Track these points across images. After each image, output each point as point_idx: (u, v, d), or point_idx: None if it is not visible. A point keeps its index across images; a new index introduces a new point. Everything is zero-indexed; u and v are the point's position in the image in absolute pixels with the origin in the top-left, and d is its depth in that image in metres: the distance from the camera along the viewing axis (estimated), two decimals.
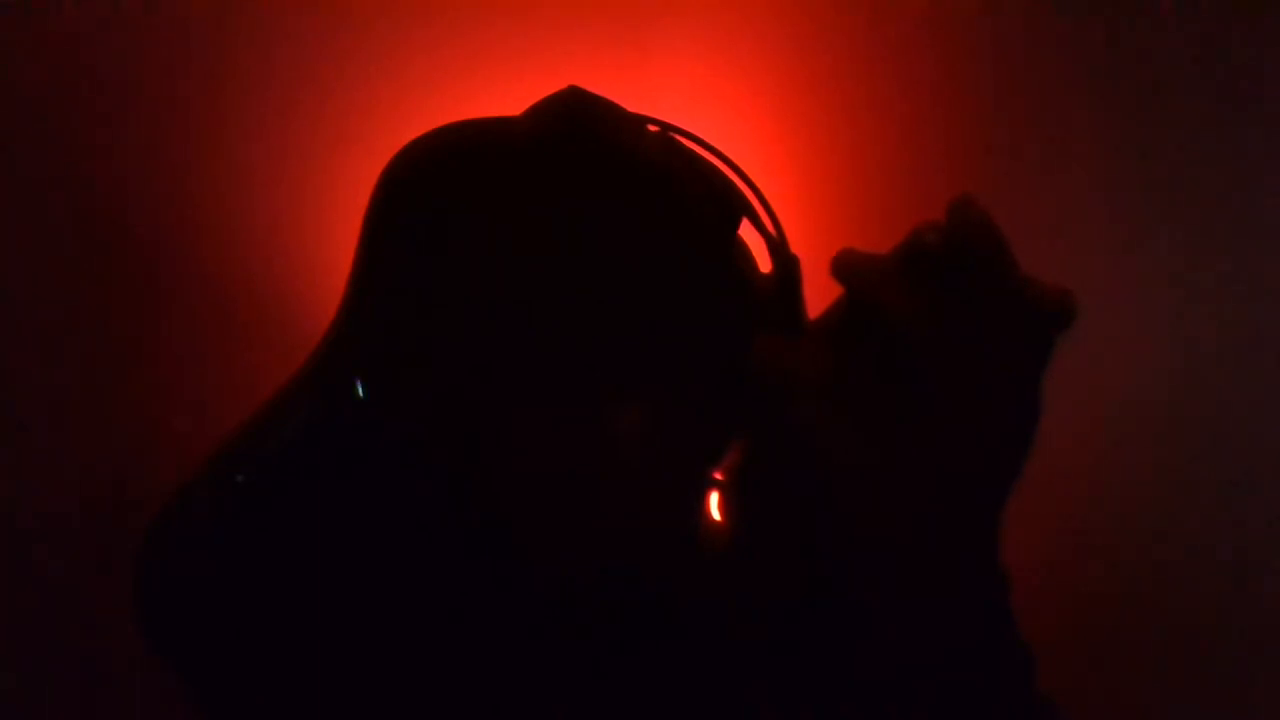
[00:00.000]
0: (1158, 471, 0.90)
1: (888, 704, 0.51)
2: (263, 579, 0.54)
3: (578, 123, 0.54)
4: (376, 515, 0.53)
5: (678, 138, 0.57)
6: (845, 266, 0.53)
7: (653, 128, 0.57)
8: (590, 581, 0.54)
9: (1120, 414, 0.89)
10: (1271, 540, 0.90)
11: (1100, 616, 0.91)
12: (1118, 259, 0.89)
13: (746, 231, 0.56)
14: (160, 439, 0.86)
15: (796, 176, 0.87)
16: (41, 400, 0.88)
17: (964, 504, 0.51)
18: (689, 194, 0.55)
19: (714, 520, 0.54)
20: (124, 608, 0.56)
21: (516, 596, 0.53)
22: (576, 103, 0.55)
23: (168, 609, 0.56)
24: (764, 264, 0.57)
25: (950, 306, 0.50)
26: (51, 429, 0.88)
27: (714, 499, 0.54)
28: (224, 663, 0.55)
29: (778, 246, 0.56)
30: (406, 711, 0.54)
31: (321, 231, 0.85)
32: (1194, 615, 0.91)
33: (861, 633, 0.51)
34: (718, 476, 0.54)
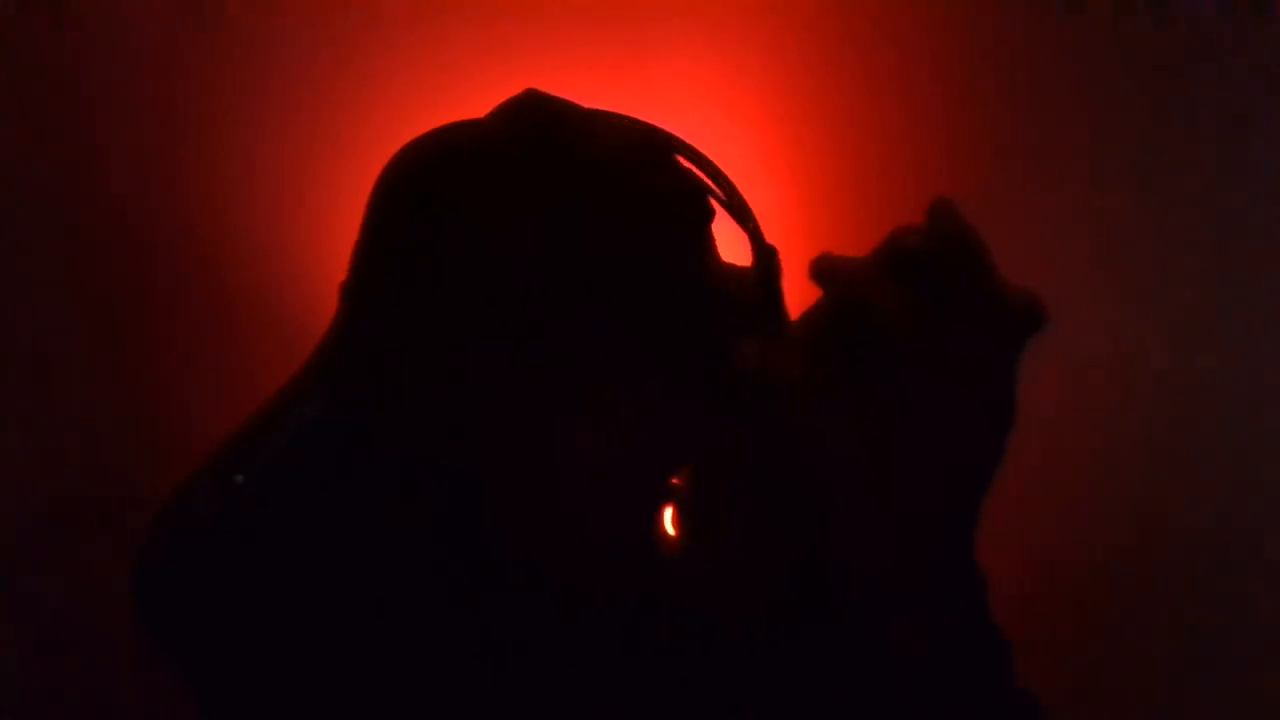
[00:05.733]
0: (1153, 471, 0.90)
1: (873, 698, 0.51)
2: (261, 578, 0.54)
3: (537, 126, 0.54)
4: (373, 515, 0.53)
5: (647, 133, 0.57)
6: (825, 270, 0.54)
7: (619, 122, 0.57)
8: (572, 585, 0.54)
9: (1118, 415, 0.89)
10: (1269, 538, 0.90)
11: (1095, 614, 0.91)
12: (1116, 258, 0.89)
13: (732, 228, 0.56)
14: (160, 439, 0.86)
15: (796, 176, 0.87)
16: (43, 400, 0.88)
17: (944, 499, 0.52)
18: (654, 190, 0.55)
19: (669, 532, 0.55)
20: (124, 606, 0.57)
21: (512, 599, 0.54)
22: (535, 105, 0.55)
23: (167, 607, 0.56)
24: (746, 259, 0.57)
25: (928, 308, 0.51)
26: (53, 429, 0.88)
27: (669, 512, 0.55)
28: (222, 661, 0.55)
29: (754, 237, 0.56)
30: (399, 708, 0.54)
31: (322, 233, 0.85)
32: (1191, 615, 0.91)
33: (847, 630, 0.51)
34: (675, 484, 0.54)
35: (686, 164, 0.56)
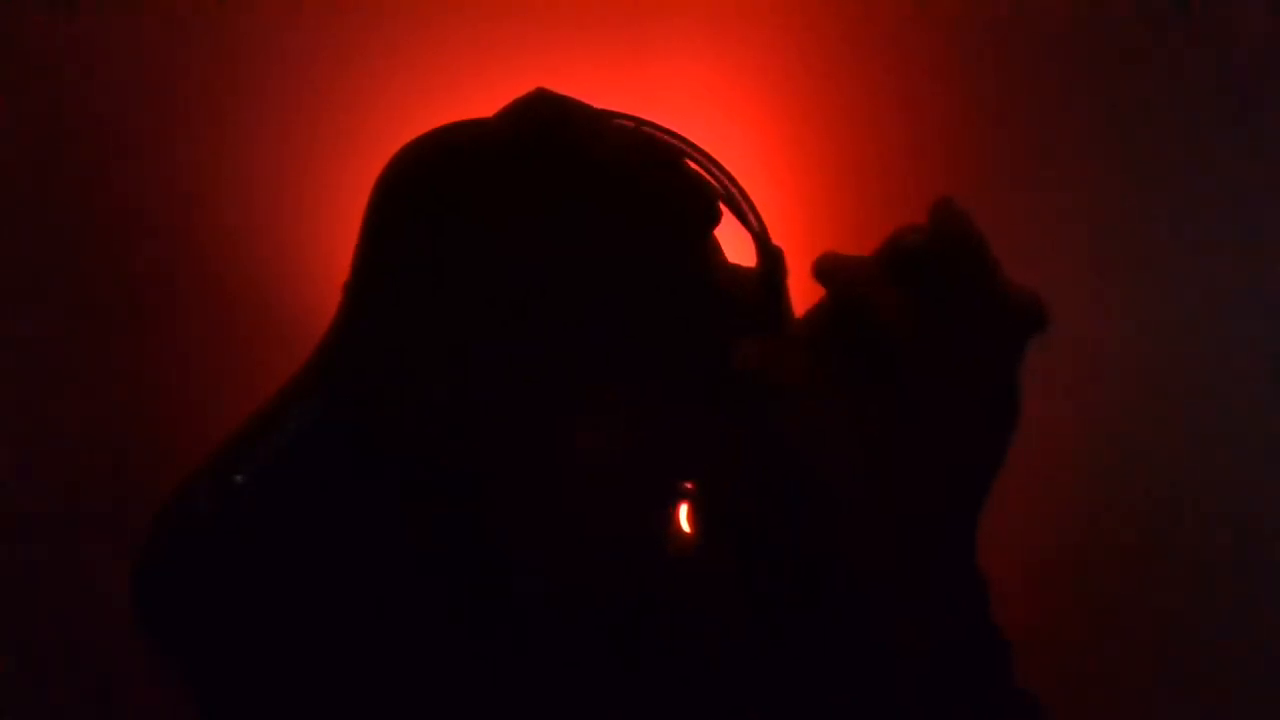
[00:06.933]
0: (1155, 472, 0.90)
1: (875, 699, 0.51)
2: (261, 579, 0.54)
3: (542, 124, 0.54)
4: (373, 515, 0.53)
5: (654, 134, 0.57)
6: (828, 269, 0.54)
7: (628, 123, 0.57)
8: (573, 586, 0.54)
9: (1119, 415, 0.90)
10: (1271, 539, 0.90)
11: (1095, 614, 0.91)
12: (1116, 258, 0.89)
13: (735, 228, 0.56)
14: (160, 439, 0.86)
15: (796, 176, 0.87)
16: (43, 399, 0.88)
17: (946, 500, 0.52)
18: (660, 192, 0.55)
19: (684, 531, 0.55)
20: (123, 607, 0.57)
21: (512, 600, 0.54)
22: (542, 104, 0.55)
23: (166, 608, 0.56)
24: (751, 258, 0.57)
25: (929, 307, 0.51)
26: (53, 428, 0.88)
27: (684, 510, 0.55)
28: (222, 661, 0.55)
29: (761, 239, 0.56)
30: (400, 709, 0.54)
31: (322, 233, 0.85)
32: (1191, 615, 0.91)
33: (849, 630, 0.51)
34: (688, 487, 0.54)
35: (695, 167, 0.56)
